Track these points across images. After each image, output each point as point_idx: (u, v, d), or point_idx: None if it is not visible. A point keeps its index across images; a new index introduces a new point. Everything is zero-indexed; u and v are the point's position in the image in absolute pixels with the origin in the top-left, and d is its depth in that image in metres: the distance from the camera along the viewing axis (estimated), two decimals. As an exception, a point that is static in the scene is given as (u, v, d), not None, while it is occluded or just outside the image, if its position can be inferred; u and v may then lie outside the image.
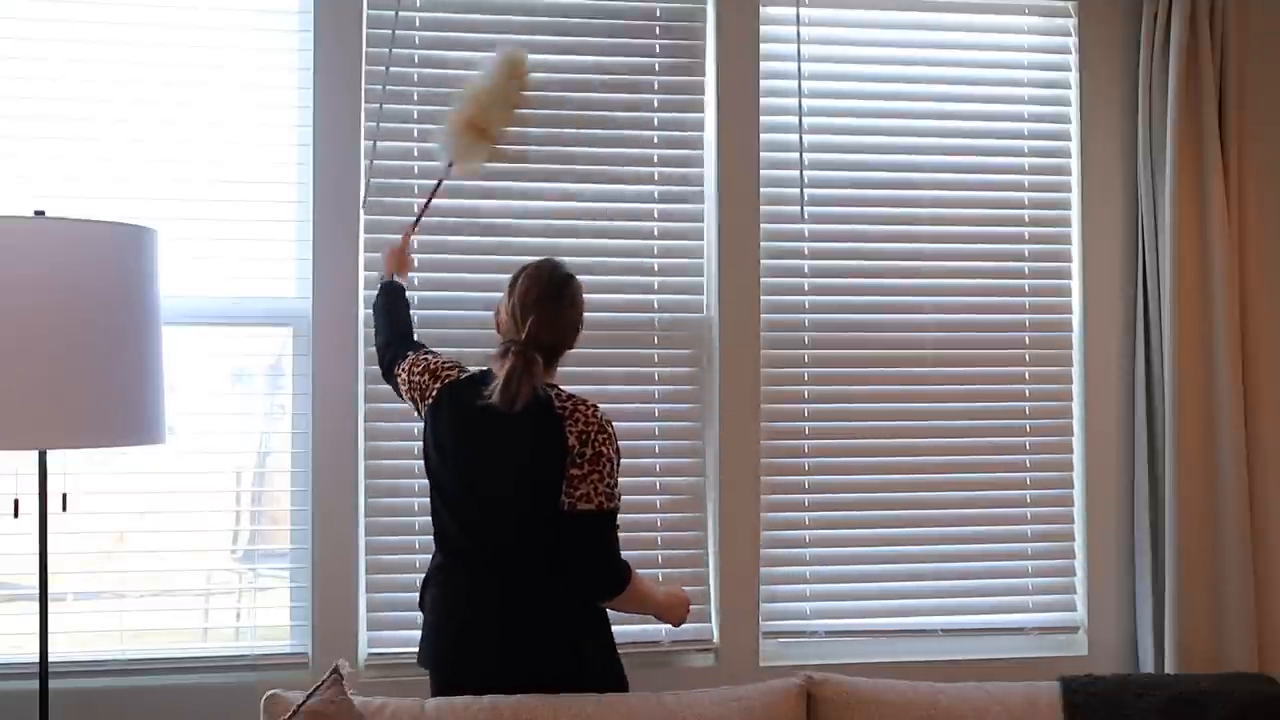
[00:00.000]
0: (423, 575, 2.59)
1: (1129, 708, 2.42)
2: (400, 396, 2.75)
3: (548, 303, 2.49)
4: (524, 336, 2.45)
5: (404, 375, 2.69)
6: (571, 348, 2.57)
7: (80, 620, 3.05)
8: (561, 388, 2.51)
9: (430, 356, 2.68)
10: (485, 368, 2.54)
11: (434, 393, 2.57)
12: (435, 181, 3.04)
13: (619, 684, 2.54)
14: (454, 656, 2.48)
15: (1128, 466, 3.40)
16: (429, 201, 3.04)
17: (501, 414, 2.41)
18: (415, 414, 2.68)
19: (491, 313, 2.67)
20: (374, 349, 2.90)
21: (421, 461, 2.60)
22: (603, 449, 2.43)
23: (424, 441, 2.59)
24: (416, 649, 2.57)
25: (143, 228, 2.55)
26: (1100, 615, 3.39)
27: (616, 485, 2.46)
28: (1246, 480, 3.27)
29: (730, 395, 3.25)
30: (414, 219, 3.04)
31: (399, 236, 3.01)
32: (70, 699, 2.95)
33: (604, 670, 2.52)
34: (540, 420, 2.42)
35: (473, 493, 2.47)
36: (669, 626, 3.20)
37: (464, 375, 2.59)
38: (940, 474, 3.35)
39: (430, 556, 2.61)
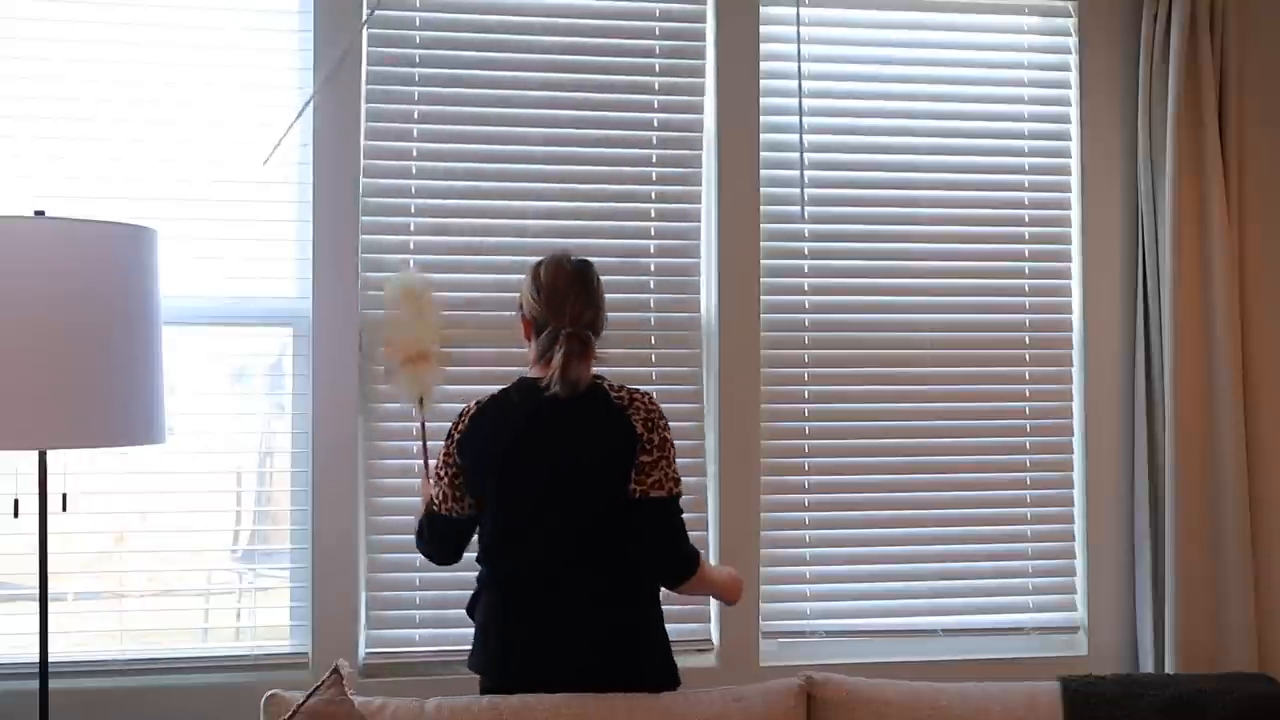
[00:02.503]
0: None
1: (1129, 708, 2.42)
2: (459, 501, 2.49)
3: (580, 287, 2.47)
4: (568, 319, 2.42)
5: (447, 488, 2.49)
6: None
7: (80, 620, 3.05)
8: (605, 377, 2.46)
9: (438, 462, 2.52)
10: (501, 389, 2.47)
11: (464, 424, 2.45)
12: (419, 427, 2.83)
13: (674, 680, 2.47)
14: (517, 669, 2.39)
15: (1128, 466, 3.40)
16: (424, 448, 2.80)
17: (561, 416, 2.37)
18: (455, 490, 2.47)
19: (513, 313, 2.58)
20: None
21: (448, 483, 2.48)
22: (666, 434, 2.42)
23: (465, 474, 2.45)
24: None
25: (143, 228, 2.55)
26: (1100, 615, 3.39)
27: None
28: (1246, 480, 3.27)
29: (730, 395, 3.25)
30: (422, 470, 2.82)
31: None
32: (70, 699, 2.94)
33: (663, 666, 2.46)
34: (604, 412, 2.39)
35: (546, 502, 2.38)
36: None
37: (487, 398, 2.47)
38: (940, 474, 3.35)
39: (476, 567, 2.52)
